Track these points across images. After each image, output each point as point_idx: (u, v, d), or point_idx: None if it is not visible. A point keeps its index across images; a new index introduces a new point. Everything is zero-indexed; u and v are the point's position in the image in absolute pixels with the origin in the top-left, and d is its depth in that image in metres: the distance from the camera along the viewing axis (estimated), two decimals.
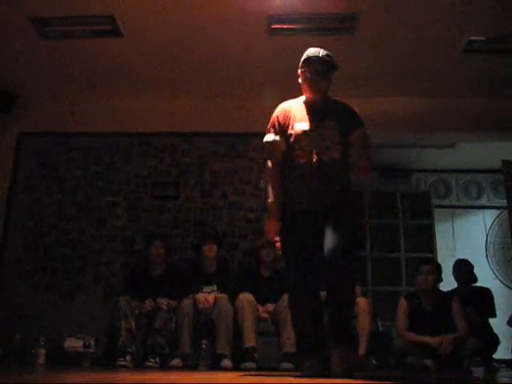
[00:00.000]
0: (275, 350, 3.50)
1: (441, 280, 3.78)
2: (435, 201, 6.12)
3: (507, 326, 4.20)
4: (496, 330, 4.14)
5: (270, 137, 2.56)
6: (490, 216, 6.35)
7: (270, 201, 2.52)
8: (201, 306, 3.65)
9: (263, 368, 3.38)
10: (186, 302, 3.62)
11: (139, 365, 3.45)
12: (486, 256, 6.14)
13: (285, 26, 3.89)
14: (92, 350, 3.54)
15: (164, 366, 3.42)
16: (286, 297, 3.51)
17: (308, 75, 2.49)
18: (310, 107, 2.53)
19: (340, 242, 2.30)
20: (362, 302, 3.57)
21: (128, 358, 3.42)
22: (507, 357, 4.42)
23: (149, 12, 3.72)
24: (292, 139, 2.47)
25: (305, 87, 2.54)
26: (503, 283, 6.01)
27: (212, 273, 3.96)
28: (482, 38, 3.96)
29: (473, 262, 4.46)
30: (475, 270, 4.42)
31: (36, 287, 4.46)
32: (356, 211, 2.50)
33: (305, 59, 2.51)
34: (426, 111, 4.80)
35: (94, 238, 4.59)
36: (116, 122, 4.89)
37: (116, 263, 4.51)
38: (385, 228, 5.76)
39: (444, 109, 4.79)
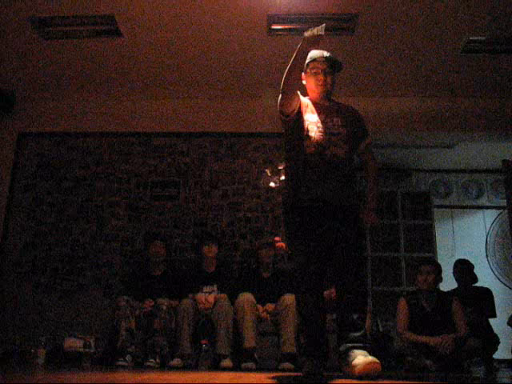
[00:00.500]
0: (275, 350, 3.50)
1: (441, 280, 3.78)
2: (435, 201, 6.12)
3: (507, 326, 4.20)
4: (496, 330, 4.14)
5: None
6: (490, 216, 6.35)
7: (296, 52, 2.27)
8: (201, 306, 3.66)
9: (263, 368, 3.38)
10: (186, 301, 3.62)
11: (139, 365, 3.45)
12: (486, 256, 6.15)
13: (285, 26, 3.89)
14: (92, 350, 3.53)
15: (164, 366, 3.42)
16: (285, 297, 3.54)
17: (314, 76, 2.52)
18: (316, 106, 2.54)
19: (352, 253, 2.35)
20: None
21: (128, 357, 3.42)
22: (507, 357, 4.42)
23: (149, 12, 3.72)
24: (301, 128, 2.47)
25: (310, 88, 2.56)
26: (503, 283, 6.01)
27: (212, 273, 3.96)
28: (481, 38, 3.96)
29: (473, 262, 4.46)
30: (475, 270, 4.42)
31: (36, 287, 4.46)
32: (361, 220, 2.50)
33: (310, 61, 2.52)
34: (426, 111, 4.81)
35: (94, 238, 4.60)
36: (116, 122, 4.90)
37: (116, 263, 4.51)
38: (385, 228, 5.77)
39: (444, 109, 4.80)
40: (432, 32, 3.88)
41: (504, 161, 4.82)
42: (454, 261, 4.55)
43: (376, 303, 5.29)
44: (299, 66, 2.33)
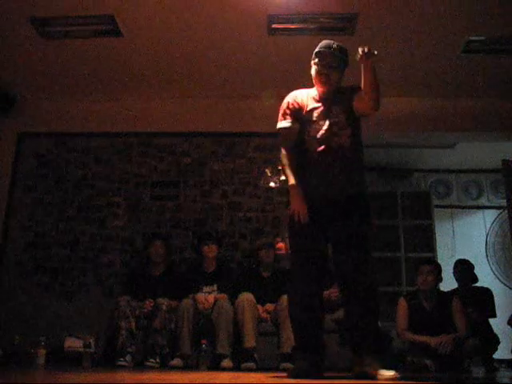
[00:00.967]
0: (275, 350, 3.50)
1: (441, 280, 3.78)
2: (435, 201, 6.12)
3: (507, 326, 4.20)
4: (496, 330, 4.14)
5: (285, 123, 2.52)
6: (490, 216, 6.34)
7: (291, 183, 2.43)
8: (201, 306, 3.66)
9: (263, 368, 3.38)
10: (186, 301, 3.62)
11: (139, 365, 3.45)
12: (486, 256, 6.14)
13: (285, 26, 3.89)
14: (92, 350, 3.53)
15: (164, 366, 3.42)
16: (285, 297, 3.53)
17: (318, 68, 2.48)
18: (320, 98, 2.52)
19: (356, 251, 2.33)
20: None
21: (128, 357, 3.42)
22: (507, 357, 4.42)
23: (149, 12, 3.72)
24: (302, 127, 2.47)
25: (315, 79, 2.53)
26: (503, 283, 6.01)
27: (212, 273, 3.96)
28: (481, 38, 3.96)
29: (473, 262, 4.46)
30: (475, 270, 4.42)
31: (36, 287, 4.46)
32: (369, 210, 2.46)
33: (316, 52, 2.49)
34: (426, 111, 4.80)
35: (94, 238, 4.59)
36: (116, 122, 4.89)
37: (116, 263, 4.51)
38: (385, 228, 5.77)
39: (444, 109, 4.79)
40: (432, 32, 3.88)
41: (504, 161, 4.82)
42: (454, 261, 4.55)
43: None
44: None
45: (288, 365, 3.28)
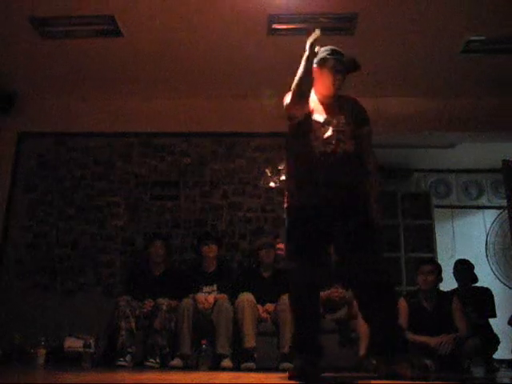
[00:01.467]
0: (275, 350, 3.50)
1: (441, 280, 3.78)
2: (435, 201, 6.12)
3: (507, 326, 4.20)
4: (496, 330, 4.14)
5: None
6: (490, 216, 6.34)
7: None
8: (201, 306, 3.66)
9: (263, 368, 3.38)
10: (186, 301, 3.62)
11: (139, 365, 3.45)
12: (486, 256, 6.14)
13: (285, 26, 3.89)
14: (92, 350, 3.53)
15: (164, 366, 3.42)
16: (285, 297, 3.52)
17: (330, 72, 2.48)
18: (323, 103, 2.51)
19: (366, 253, 2.31)
20: None
21: (128, 357, 3.42)
22: (507, 357, 4.42)
23: (149, 12, 3.72)
24: (309, 128, 2.43)
25: (318, 85, 2.52)
26: (503, 283, 6.00)
27: (212, 273, 3.96)
28: (481, 38, 3.96)
29: (473, 262, 4.46)
30: (475, 270, 4.41)
31: (36, 287, 4.46)
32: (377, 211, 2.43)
33: (326, 57, 2.49)
34: (426, 111, 4.80)
35: (94, 238, 4.59)
36: (116, 122, 4.89)
37: (116, 263, 4.51)
38: (385, 228, 5.76)
39: (444, 109, 4.79)
40: (432, 32, 3.88)
41: (504, 161, 4.82)
42: (454, 261, 4.55)
43: None
44: (310, 71, 2.34)
45: (288, 365, 3.28)
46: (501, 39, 3.96)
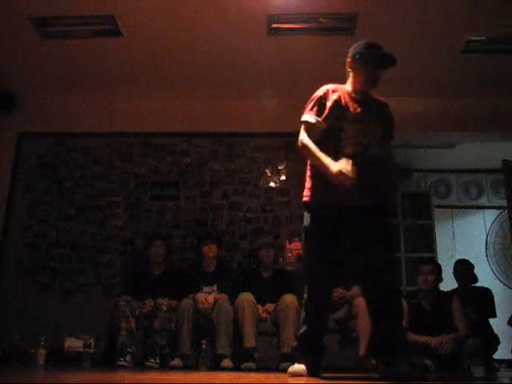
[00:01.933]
0: (275, 350, 3.50)
1: (441, 280, 3.78)
2: (435, 201, 6.12)
3: (507, 326, 4.20)
4: (496, 330, 4.14)
5: (309, 117, 2.39)
6: (490, 216, 6.34)
7: (331, 167, 2.23)
8: (201, 306, 3.66)
9: (263, 368, 3.38)
10: (186, 301, 3.62)
11: (139, 365, 3.45)
12: (486, 256, 6.14)
13: (285, 26, 3.89)
14: (92, 350, 3.53)
15: (164, 366, 3.41)
16: (285, 297, 3.54)
17: (373, 68, 2.44)
18: (355, 99, 2.44)
19: (385, 261, 2.30)
20: (361, 302, 3.56)
21: (128, 357, 3.42)
22: (507, 357, 4.42)
23: (149, 12, 3.72)
24: (337, 125, 2.36)
25: (356, 79, 2.47)
26: (503, 283, 6.00)
27: (212, 273, 3.96)
28: (482, 38, 3.96)
29: (473, 262, 4.46)
30: (475, 270, 4.42)
31: (36, 287, 4.46)
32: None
33: (368, 51, 2.46)
34: (426, 111, 4.80)
35: (94, 238, 4.59)
36: (116, 122, 4.89)
37: (116, 263, 4.51)
38: None
39: (444, 109, 4.79)
40: (432, 32, 3.88)
41: (504, 161, 4.82)
42: (454, 261, 4.55)
43: None
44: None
45: (288, 365, 3.27)
46: (501, 39, 3.96)
